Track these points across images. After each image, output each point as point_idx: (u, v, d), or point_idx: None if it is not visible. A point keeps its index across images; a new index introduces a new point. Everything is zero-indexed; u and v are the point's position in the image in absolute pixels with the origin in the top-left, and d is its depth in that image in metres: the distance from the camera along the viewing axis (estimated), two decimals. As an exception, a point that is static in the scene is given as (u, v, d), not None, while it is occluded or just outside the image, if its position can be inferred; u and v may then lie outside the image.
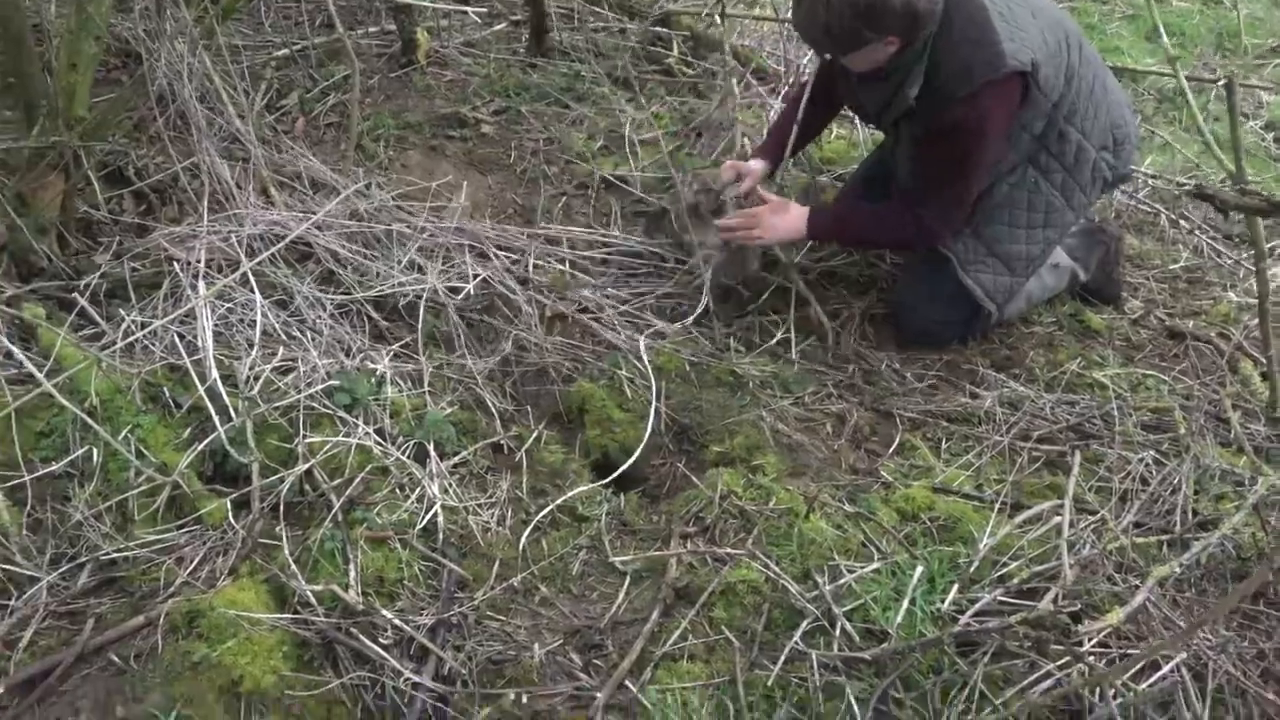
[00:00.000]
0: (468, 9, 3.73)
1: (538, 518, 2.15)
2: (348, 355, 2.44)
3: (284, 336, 2.43)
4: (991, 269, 2.64)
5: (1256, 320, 2.61)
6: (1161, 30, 2.42)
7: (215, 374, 2.21)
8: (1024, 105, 2.45)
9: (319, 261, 2.69)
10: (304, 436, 2.16)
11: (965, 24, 2.35)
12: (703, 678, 1.84)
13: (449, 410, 2.35)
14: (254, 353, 2.31)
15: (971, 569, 1.97)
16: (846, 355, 2.71)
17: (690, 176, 2.80)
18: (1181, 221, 3.41)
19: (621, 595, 2.00)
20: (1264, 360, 2.58)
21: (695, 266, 2.76)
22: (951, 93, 2.35)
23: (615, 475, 2.31)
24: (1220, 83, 2.14)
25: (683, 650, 1.88)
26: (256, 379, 2.25)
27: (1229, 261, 3.25)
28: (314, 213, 2.73)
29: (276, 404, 2.20)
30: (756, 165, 2.76)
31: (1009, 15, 2.39)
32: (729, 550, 2.05)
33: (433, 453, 2.23)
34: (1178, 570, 1.91)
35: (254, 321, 2.40)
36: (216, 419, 2.11)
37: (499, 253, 2.83)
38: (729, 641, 1.89)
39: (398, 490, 2.13)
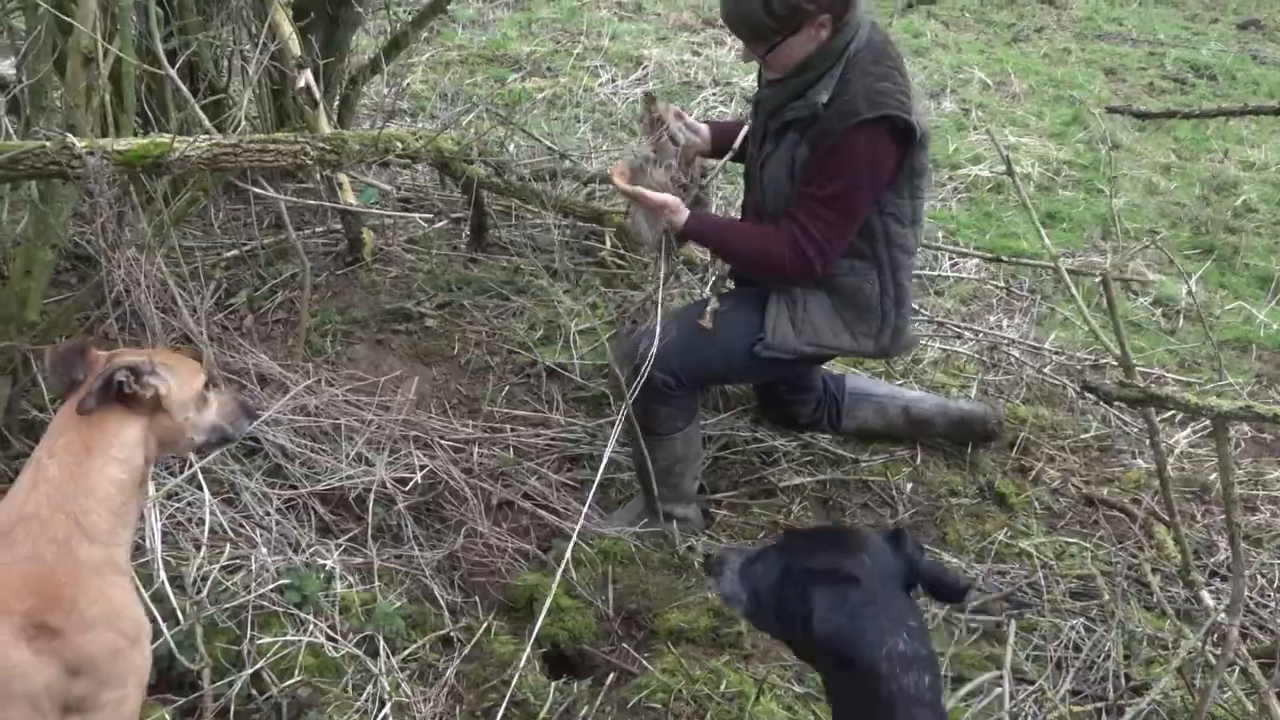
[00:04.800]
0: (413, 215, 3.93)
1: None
2: (296, 551, 2.45)
3: (231, 534, 2.44)
4: (793, 319, 2.58)
5: (1163, 487, 2.78)
6: (1044, 236, 2.69)
7: (163, 576, 2.20)
8: (898, 178, 2.47)
9: (267, 456, 2.73)
10: (253, 637, 2.15)
11: (883, 56, 2.39)
12: None
13: (398, 604, 2.36)
14: (202, 552, 2.31)
15: (921, 746, 2.00)
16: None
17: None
18: (1087, 393, 3.65)
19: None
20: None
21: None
22: (855, 111, 2.33)
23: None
24: (1098, 279, 2.37)
25: None
26: (204, 580, 2.25)
27: (1135, 429, 3.47)
28: (263, 409, 2.79)
29: (225, 605, 2.19)
30: (704, 130, 2.68)
31: (915, 94, 2.48)
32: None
33: (383, 648, 2.23)
34: (1115, 738, 1.98)
35: (202, 520, 2.41)
36: (163, 624, 2.09)
37: (444, 443, 2.90)
38: (688, 836, 1.88)
39: (349, 689, 2.11)
